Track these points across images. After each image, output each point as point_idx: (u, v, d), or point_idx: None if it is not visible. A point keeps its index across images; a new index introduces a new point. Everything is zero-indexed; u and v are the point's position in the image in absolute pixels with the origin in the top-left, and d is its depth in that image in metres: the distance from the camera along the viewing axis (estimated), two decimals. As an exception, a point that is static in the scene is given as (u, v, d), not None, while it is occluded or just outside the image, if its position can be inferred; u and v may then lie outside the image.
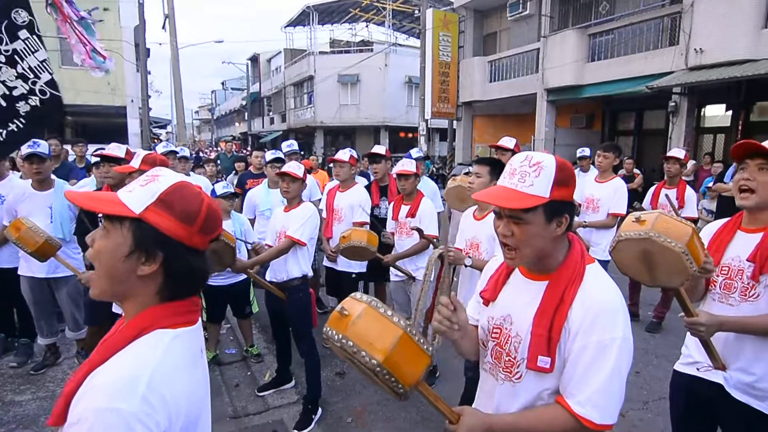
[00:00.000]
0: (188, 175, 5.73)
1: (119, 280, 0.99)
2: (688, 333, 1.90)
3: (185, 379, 0.99)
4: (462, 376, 3.17)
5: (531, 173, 1.29)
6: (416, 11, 22.60)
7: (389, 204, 4.67)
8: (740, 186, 1.85)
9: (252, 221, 4.71)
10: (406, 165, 3.84)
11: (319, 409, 3.47)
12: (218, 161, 9.38)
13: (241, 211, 4.85)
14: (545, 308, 1.32)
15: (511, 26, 16.62)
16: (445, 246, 2.54)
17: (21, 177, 4.53)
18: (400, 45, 28.86)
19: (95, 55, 3.65)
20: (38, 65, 3.10)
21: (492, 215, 2.97)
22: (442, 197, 5.03)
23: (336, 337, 1.19)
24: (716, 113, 12.07)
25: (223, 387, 3.88)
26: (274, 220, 3.60)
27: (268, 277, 3.56)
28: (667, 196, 4.60)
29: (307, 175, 3.86)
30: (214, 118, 58.35)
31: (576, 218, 4.61)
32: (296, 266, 3.43)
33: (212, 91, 60.34)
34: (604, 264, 4.28)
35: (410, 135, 26.96)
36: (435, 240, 3.61)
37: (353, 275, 4.28)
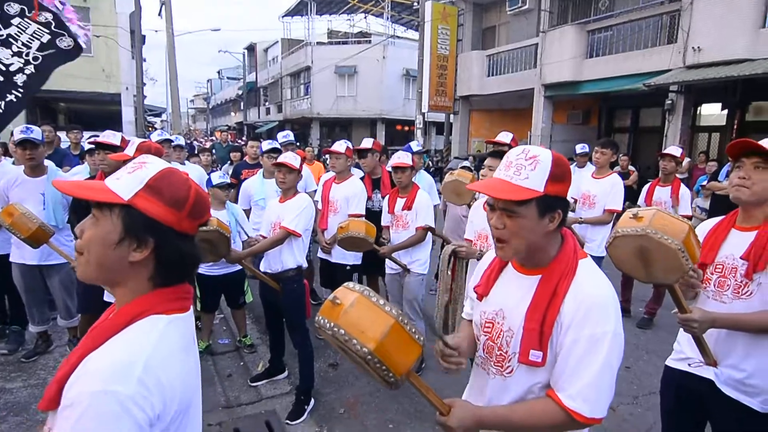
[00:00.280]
0: (183, 164, 5.69)
1: (110, 268, 0.99)
2: (681, 329, 1.92)
3: (179, 365, 1.00)
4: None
5: (527, 166, 1.29)
6: (415, 3, 22.48)
7: (382, 197, 4.66)
8: (736, 184, 1.86)
9: (247, 212, 4.69)
10: (402, 158, 3.84)
11: (312, 400, 3.48)
12: (213, 151, 9.32)
13: (236, 201, 4.83)
14: (538, 303, 1.33)
15: (510, 21, 16.57)
16: (448, 242, 2.55)
17: (13, 163, 4.49)
18: (398, 37, 28.67)
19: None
20: (29, 38, 3.17)
21: None
22: (438, 191, 5.03)
23: (328, 325, 1.20)
24: (712, 112, 12.11)
25: (215, 377, 3.88)
26: (269, 211, 3.58)
27: (262, 267, 3.55)
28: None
29: (303, 166, 3.84)
30: (210, 107, 57.92)
31: (572, 214, 4.63)
32: (291, 257, 3.42)
33: (208, 80, 59.83)
34: (598, 260, 4.31)
35: (407, 128, 26.90)
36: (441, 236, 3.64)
37: (347, 267, 4.28)
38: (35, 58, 3.32)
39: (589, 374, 1.25)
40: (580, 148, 6.57)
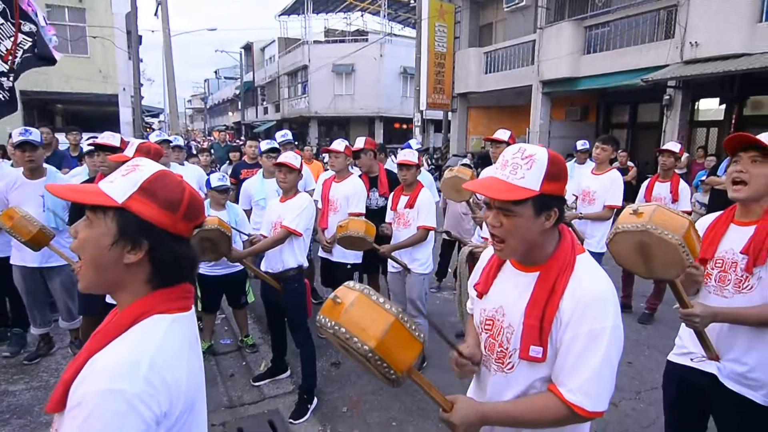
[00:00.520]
0: (182, 164, 5.68)
1: (105, 270, 0.99)
2: (682, 324, 1.93)
3: (184, 363, 1.01)
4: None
5: (523, 166, 1.30)
6: (412, 1, 22.43)
7: (379, 195, 4.66)
8: (733, 178, 1.87)
9: (248, 212, 4.68)
10: (408, 155, 3.82)
11: (315, 399, 3.48)
12: (212, 151, 9.32)
13: (236, 201, 4.83)
14: (537, 299, 1.34)
15: (508, 17, 16.56)
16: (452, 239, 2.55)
17: (12, 165, 4.48)
18: (395, 35, 28.64)
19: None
20: (12, 47, 3.18)
21: None
22: (437, 188, 5.03)
23: (329, 324, 1.21)
24: (710, 107, 12.13)
25: (218, 377, 3.88)
26: (269, 211, 3.58)
27: (263, 267, 3.55)
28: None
29: (303, 165, 3.84)
30: (207, 107, 57.85)
31: (572, 210, 4.63)
32: (292, 257, 3.42)
33: (205, 80, 59.73)
34: (598, 256, 4.32)
35: (405, 126, 26.88)
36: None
37: (348, 266, 4.28)
38: (17, 64, 3.38)
39: (589, 369, 1.26)
40: (581, 144, 6.57)
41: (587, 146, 6.50)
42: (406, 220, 3.88)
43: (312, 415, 3.37)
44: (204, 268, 3.96)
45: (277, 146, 4.95)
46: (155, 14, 17.32)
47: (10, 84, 3.27)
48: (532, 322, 1.33)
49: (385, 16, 27.62)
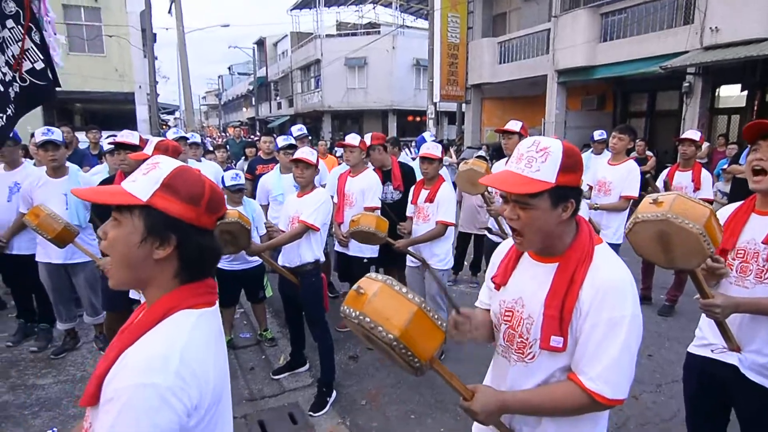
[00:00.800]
0: (199, 161, 5.76)
1: (136, 267, 1.02)
2: (703, 315, 1.91)
3: (212, 357, 1.04)
4: (468, 353, 3.19)
5: (538, 158, 1.31)
6: (424, -8, 22.29)
7: (393, 188, 4.67)
8: (753, 167, 1.84)
9: (265, 207, 4.73)
10: (431, 149, 3.79)
11: (334, 392, 3.52)
12: (227, 147, 9.40)
13: (253, 197, 4.87)
14: (556, 290, 1.35)
15: (522, 6, 16.34)
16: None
17: (34, 164, 4.59)
18: (407, 27, 28.49)
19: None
20: (20, 54, 3.16)
21: None
22: (452, 181, 5.01)
23: (353, 314, 1.24)
24: (731, 93, 11.84)
25: (238, 370, 3.95)
26: (287, 206, 3.62)
27: (280, 261, 3.59)
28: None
29: (319, 160, 3.86)
30: (222, 103, 58.30)
31: (588, 200, 4.58)
32: (309, 251, 3.45)
33: (219, 76, 60.18)
34: (615, 247, 4.27)
35: (418, 119, 26.77)
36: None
37: (365, 260, 4.30)
38: (23, 79, 3.18)
39: (609, 357, 1.27)
40: (597, 134, 6.48)
41: (604, 136, 6.40)
42: (425, 215, 3.86)
43: (331, 408, 3.41)
44: (222, 263, 4.01)
45: (295, 143, 4.98)
46: (169, 12, 17.51)
47: (14, 94, 3.18)
48: (553, 313, 1.34)
49: (397, 8, 27.47)
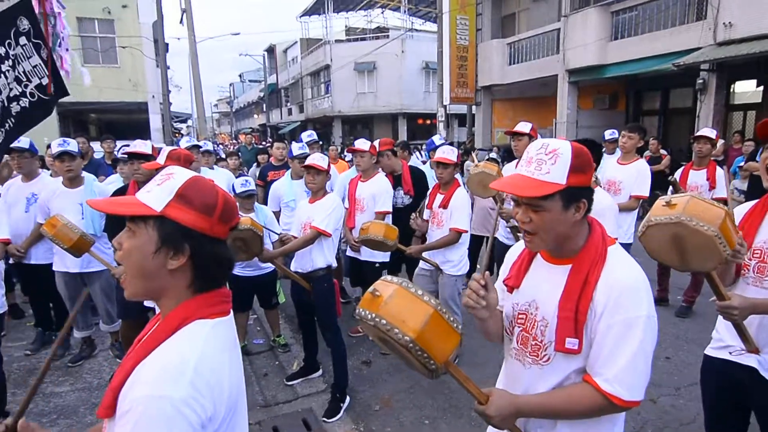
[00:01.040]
0: (212, 168, 5.81)
1: (151, 277, 1.03)
2: (720, 317, 1.87)
3: (226, 367, 1.04)
4: (483, 358, 3.18)
5: (547, 161, 1.31)
6: (432, -5, 22.29)
7: (404, 193, 4.66)
8: (767, 165, 1.80)
9: (277, 214, 4.75)
10: (447, 153, 3.75)
11: (348, 398, 3.52)
12: (239, 154, 9.48)
13: (264, 203, 4.90)
14: (570, 291, 1.35)
15: (530, 6, 16.27)
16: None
17: (51, 175, 4.67)
18: (416, 30, 28.50)
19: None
20: (31, 69, 3.23)
21: (597, 190, 3.03)
22: (463, 183, 4.99)
23: (369, 316, 1.24)
24: (747, 89, 11.66)
25: (252, 376, 3.97)
26: (299, 212, 3.64)
27: (292, 267, 3.60)
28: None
29: (330, 165, 3.87)
30: (233, 110, 58.86)
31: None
32: (321, 257, 3.46)
33: (230, 84, 60.82)
34: (626, 247, 4.21)
35: (428, 122, 26.75)
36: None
37: (377, 265, 4.30)
38: (32, 94, 3.27)
39: (624, 358, 1.27)
40: (609, 134, 6.42)
41: (616, 135, 6.34)
42: (439, 220, 3.83)
43: (345, 414, 3.41)
44: (236, 269, 4.04)
45: (308, 153, 4.98)
46: (180, 22, 17.75)
47: (19, 109, 3.25)
48: (567, 315, 1.34)
49: (405, 11, 27.49)
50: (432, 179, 4.96)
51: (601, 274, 1.33)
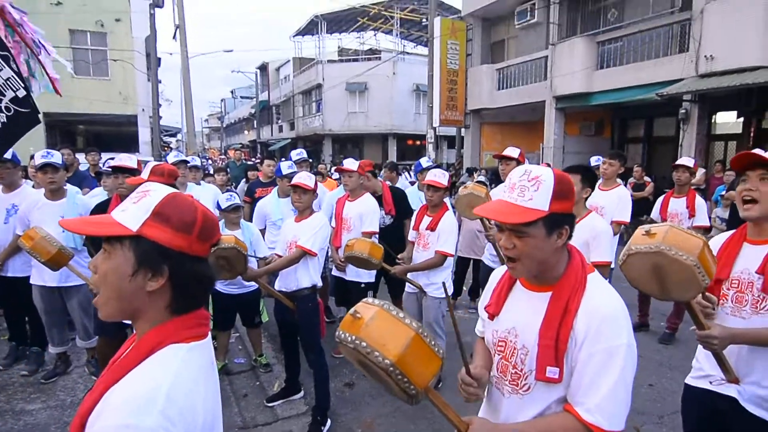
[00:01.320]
0: (199, 183, 5.77)
1: (129, 300, 0.99)
2: (700, 345, 1.88)
3: (201, 393, 1.00)
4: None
5: (530, 187, 1.32)
6: (424, 20, 22.71)
7: (385, 213, 4.66)
8: (743, 197, 1.86)
9: (262, 231, 4.72)
10: (438, 176, 3.74)
11: (329, 421, 3.46)
12: (228, 170, 9.45)
13: (250, 220, 4.87)
14: (551, 319, 1.35)
15: (519, 34, 16.63)
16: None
17: (33, 186, 4.60)
18: (407, 53, 28.95)
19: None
20: (3, 83, 3.16)
21: (593, 215, 2.99)
22: (452, 205, 5.00)
23: (349, 338, 1.22)
24: (728, 120, 11.96)
25: (231, 397, 3.88)
26: (285, 230, 3.61)
27: (277, 286, 3.57)
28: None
29: (318, 184, 3.86)
30: (224, 126, 58.83)
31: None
32: (306, 276, 3.44)
33: (222, 100, 60.87)
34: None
35: (418, 142, 26.98)
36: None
37: (362, 285, 4.28)
38: (7, 108, 3.15)
39: (605, 387, 1.26)
40: (595, 161, 6.53)
41: (600, 162, 6.45)
42: (426, 242, 3.81)
43: (325, 437, 3.34)
44: (218, 285, 3.99)
45: (296, 170, 4.96)
46: (173, 37, 17.79)
47: None
48: (548, 342, 1.33)
49: (397, 35, 27.96)
50: (418, 201, 4.98)
51: (581, 301, 1.33)
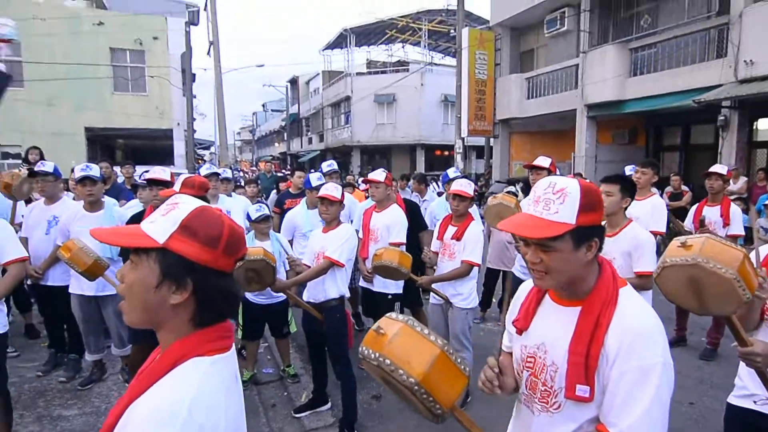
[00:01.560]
0: (230, 195, 5.88)
1: (153, 311, 1.00)
2: (742, 363, 1.79)
3: (223, 406, 1.00)
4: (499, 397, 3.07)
5: (555, 200, 1.27)
6: (452, 31, 22.75)
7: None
8: None
9: (291, 242, 4.76)
10: (464, 186, 3.73)
11: (355, 433, 3.43)
12: (258, 182, 9.62)
13: (279, 230, 4.92)
14: (581, 335, 1.29)
15: (549, 43, 16.46)
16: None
17: (74, 198, 4.78)
18: (435, 64, 29.02)
19: None
20: None
21: (633, 225, 2.97)
22: (480, 215, 4.95)
23: (373, 355, 1.20)
24: (770, 127, 11.50)
25: (260, 407, 3.90)
26: (312, 241, 3.64)
27: (305, 297, 3.59)
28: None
29: (345, 195, 3.88)
30: (255, 138, 60.14)
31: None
32: (334, 287, 3.44)
33: (253, 113, 62.31)
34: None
35: (446, 153, 26.92)
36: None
37: (389, 296, 4.26)
38: None
39: (640, 408, 1.20)
40: (629, 170, 6.35)
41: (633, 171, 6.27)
42: (451, 252, 3.77)
43: (352, 449, 3.31)
44: (248, 295, 4.03)
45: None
46: (208, 53, 18.38)
47: None
48: (578, 360, 1.28)
49: (425, 46, 28.10)
50: (445, 211, 4.94)
51: (613, 317, 1.28)
